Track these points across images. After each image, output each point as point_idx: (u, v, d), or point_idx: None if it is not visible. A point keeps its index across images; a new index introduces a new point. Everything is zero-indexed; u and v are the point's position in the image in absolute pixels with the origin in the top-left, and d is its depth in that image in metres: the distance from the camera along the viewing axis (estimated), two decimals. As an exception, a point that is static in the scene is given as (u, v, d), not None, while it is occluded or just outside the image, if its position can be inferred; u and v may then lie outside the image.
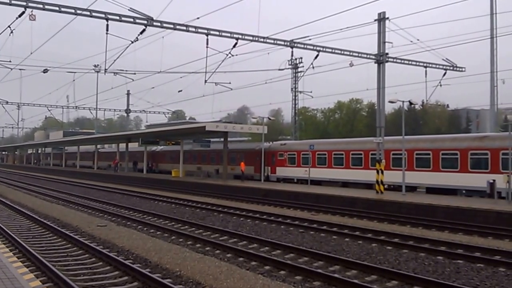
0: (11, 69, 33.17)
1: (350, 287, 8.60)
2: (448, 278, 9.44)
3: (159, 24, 22.12)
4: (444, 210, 18.67)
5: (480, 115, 74.88)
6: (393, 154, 27.48)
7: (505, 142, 21.80)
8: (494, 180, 20.95)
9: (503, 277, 9.61)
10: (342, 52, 25.83)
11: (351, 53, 25.95)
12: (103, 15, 20.83)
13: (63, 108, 65.20)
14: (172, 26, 22.47)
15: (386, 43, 25.20)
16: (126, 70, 38.86)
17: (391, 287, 8.95)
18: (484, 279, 9.45)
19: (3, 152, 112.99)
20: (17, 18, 19.51)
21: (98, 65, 49.19)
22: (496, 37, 31.62)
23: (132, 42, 22.44)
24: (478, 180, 23.00)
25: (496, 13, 32.08)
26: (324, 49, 25.38)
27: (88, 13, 20.71)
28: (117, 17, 21.17)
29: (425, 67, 27.82)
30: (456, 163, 24.93)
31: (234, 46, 23.91)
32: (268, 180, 35.14)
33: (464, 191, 24.46)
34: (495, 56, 32.03)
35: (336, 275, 9.26)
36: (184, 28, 22.73)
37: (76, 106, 64.70)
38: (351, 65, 26.62)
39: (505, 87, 33.98)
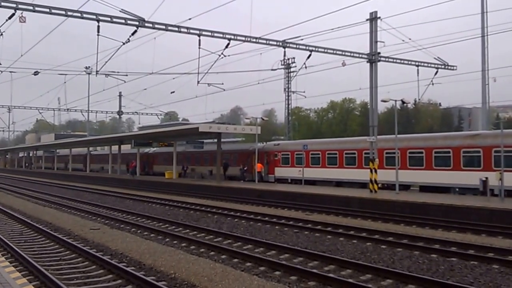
0: (1, 71, 33.00)
1: (345, 286, 8.59)
2: (442, 276, 9.46)
3: (150, 25, 22.02)
4: (437, 208, 18.75)
5: (472, 113, 75.47)
6: (386, 153, 27.58)
7: (497, 139, 21.95)
8: (486, 178, 21.08)
9: (497, 274, 9.66)
10: (335, 51, 25.88)
11: (343, 53, 26.01)
12: (94, 16, 20.69)
13: (54, 110, 64.99)
14: (164, 27, 22.38)
15: (378, 43, 25.28)
16: (118, 72, 38.74)
17: (386, 285, 8.95)
18: (478, 276, 9.48)
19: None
20: (7, 20, 19.37)
21: (89, 67, 49.08)
22: (487, 35, 31.84)
23: (124, 44, 22.32)
24: (471, 178, 23.13)
25: (487, 12, 32.30)
26: (316, 49, 25.41)
27: (79, 14, 20.58)
28: (108, 18, 21.04)
29: (417, 66, 27.96)
30: (449, 161, 25.06)
31: (226, 47, 23.87)
32: (262, 181, 35.11)
33: (457, 189, 24.60)
34: (486, 55, 32.25)
35: (331, 275, 9.26)
36: (176, 29, 22.65)
37: (68, 109, 64.49)
38: (344, 64, 26.72)
39: (497, 85, 34.22)
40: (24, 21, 19.28)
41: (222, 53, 24.32)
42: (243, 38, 24.14)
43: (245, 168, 37.73)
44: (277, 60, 40.75)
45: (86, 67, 50.35)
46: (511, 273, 9.74)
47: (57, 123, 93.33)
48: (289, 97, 52.72)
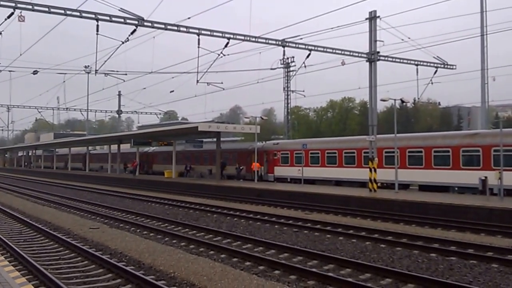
0: (1, 71, 32.94)
1: (344, 285, 8.60)
2: (441, 275, 9.47)
3: (150, 24, 21.99)
4: (437, 207, 18.76)
5: (471, 112, 75.65)
6: (385, 152, 27.58)
7: (496, 139, 21.96)
8: (486, 177, 21.08)
9: (496, 273, 9.67)
10: (334, 51, 25.87)
11: (342, 52, 26.00)
12: (93, 16, 20.65)
13: (53, 109, 64.84)
14: (163, 26, 22.35)
15: (378, 42, 25.27)
16: (117, 71, 38.60)
17: (385, 285, 8.95)
18: (477, 275, 9.49)
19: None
20: (6, 19, 19.36)
21: (88, 66, 48.95)
22: (486, 34, 31.89)
23: (123, 43, 22.31)
24: (470, 177, 23.13)
25: (486, 11, 32.36)
26: (315, 48, 25.39)
27: (78, 13, 20.54)
28: (108, 18, 21.00)
29: (416, 65, 27.96)
30: (448, 160, 25.06)
31: (225, 46, 23.86)
32: (262, 180, 35.10)
33: (456, 188, 24.60)
34: (486, 54, 32.29)
35: (330, 274, 9.26)
36: (175, 28, 22.62)
37: (67, 108, 64.42)
38: (343, 64, 26.73)
39: (496, 84, 34.32)
40: (23, 20, 19.25)
41: (221, 52, 24.34)
42: (242, 37, 24.12)
43: (241, 168, 37.76)
44: (276, 59, 40.89)
45: (85, 66, 50.18)
46: (510, 272, 9.76)
47: (56, 122, 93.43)
48: (289, 96, 52.86)
